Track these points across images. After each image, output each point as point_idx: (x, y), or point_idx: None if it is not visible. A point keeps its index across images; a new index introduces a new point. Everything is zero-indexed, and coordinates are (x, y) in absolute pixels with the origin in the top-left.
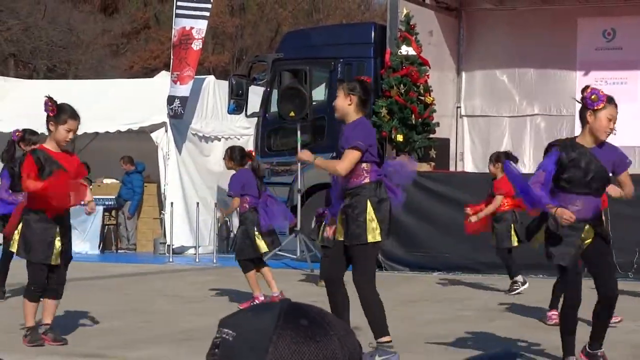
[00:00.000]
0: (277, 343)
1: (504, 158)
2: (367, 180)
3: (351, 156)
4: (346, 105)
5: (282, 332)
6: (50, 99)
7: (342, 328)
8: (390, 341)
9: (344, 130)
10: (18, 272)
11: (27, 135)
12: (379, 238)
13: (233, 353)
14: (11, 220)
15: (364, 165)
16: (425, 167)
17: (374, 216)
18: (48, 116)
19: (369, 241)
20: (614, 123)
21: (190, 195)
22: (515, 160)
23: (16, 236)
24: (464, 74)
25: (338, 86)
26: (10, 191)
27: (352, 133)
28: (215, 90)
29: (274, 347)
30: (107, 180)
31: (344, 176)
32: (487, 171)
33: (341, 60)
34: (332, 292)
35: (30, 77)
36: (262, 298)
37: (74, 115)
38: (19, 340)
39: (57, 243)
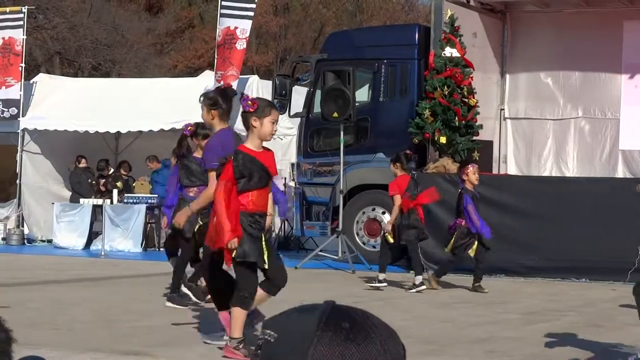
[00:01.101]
0: (318, 345)
1: (403, 159)
2: None
3: (213, 178)
4: (210, 120)
5: (323, 334)
6: (246, 94)
7: (385, 332)
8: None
9: (207, 143)
10: (65, 267)
11: (199, 130)
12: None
13: (275, 354)
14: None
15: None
16: None
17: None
18: (248, 112)
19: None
20: None
21: None
22: (414, 159)
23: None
24: (508, 76)
25: (200, 100)
26: (182, 188)
27: (207, 153)
28: (258, 90)
29: (314, 349)
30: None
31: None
32: (532, 174)
33: (385, 61)
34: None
35: (75, 75)
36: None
37: (274, 105)
38: (63, 335)
39: (265, 249)
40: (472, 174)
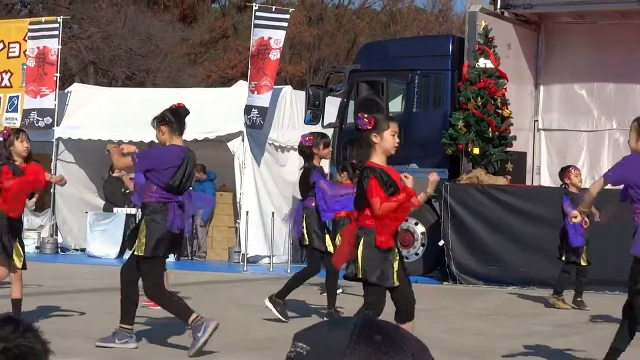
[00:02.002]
0: (351, 358)
1: (350, 168)
2: (150, 199)
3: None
4: (160, 136)
5: (355, 347)
6: (361, 113)
7: (417, 344)
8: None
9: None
10: (98, 276)
11: (318, 139)
12: (141, 253)
13: None
14: (344, 246)
15: (153, 186)
16: (501, 180)
17: (143, 233)
18: (367, 130)
19: (137, 254)
20: None
21: (265, 204)
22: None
23: (359, 260)
24: (542, 88)
25: (151, 123)
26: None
27: (141, 156)
28: (292, 100)
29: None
30: None
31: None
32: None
33: (418, 72)
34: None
35: (109, 85)
36: None
37: (391, 117)
38: (94, 344)
39: (395, 264)
40: (574, 176)
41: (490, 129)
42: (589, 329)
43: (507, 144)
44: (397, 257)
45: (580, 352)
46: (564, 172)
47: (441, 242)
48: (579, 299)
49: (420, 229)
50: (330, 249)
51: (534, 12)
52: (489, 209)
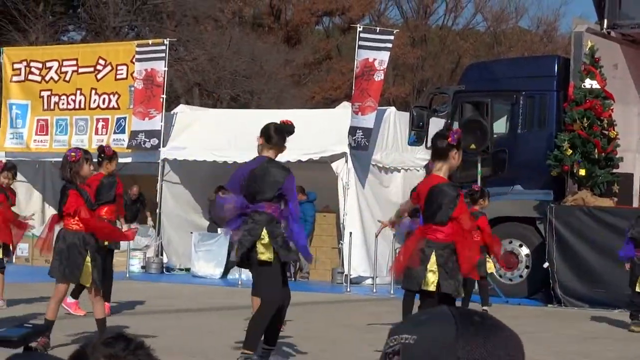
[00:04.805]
0: (461, 338)
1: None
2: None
3: None
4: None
5: (462, 327)
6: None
7: (508, 328)
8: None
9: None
10: (202, 296)
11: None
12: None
13: (419, 355)
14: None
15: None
16: (607, 202)
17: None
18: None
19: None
20: None
21: (368, 225)
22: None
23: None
24: None
25: None
26: None
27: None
28: (395, 121)
29: (461, 340)
30: None
31: None
32: None
33: (523, 93)
34: None
35: (214, 106)
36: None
37: None
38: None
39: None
40: None
41: (596, 150)
42: None
43: (614, 166)
44: None
45: None
46: None
47: (546, 264)
48: None
49: (524, 250)
50: None
51: None
52: (594, 231)
